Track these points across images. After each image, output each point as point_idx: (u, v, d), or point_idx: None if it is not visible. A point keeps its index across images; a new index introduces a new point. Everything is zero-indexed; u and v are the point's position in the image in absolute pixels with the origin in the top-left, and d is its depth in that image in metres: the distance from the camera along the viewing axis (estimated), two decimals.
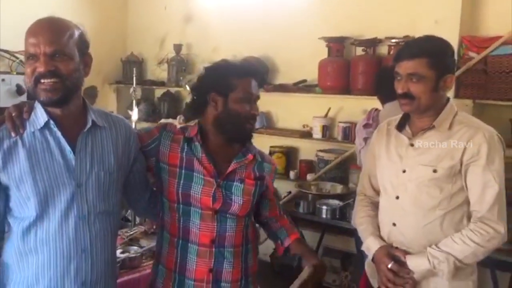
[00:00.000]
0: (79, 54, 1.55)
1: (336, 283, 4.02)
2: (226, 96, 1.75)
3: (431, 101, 1.83)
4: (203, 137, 1.79)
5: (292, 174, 4.27)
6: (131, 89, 4.07)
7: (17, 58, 4.41)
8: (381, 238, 1.97)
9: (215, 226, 1.75)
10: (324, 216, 3.54)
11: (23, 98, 4.32)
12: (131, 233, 2.73)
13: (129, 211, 3.07)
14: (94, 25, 4.63)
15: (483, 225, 1.78)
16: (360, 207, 2.11)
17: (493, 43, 3.26)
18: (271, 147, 4.37)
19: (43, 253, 1.53)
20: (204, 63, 4.88)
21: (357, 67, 3.90)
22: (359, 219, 2.08)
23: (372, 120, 3.04)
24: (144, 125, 3.36)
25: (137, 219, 3.17)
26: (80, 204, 1.55)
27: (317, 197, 3.70)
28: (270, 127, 4.55)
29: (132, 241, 2.69)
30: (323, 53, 4.07)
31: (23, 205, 1.53)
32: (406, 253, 1.87)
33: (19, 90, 4.31)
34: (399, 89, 1.83)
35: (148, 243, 2.64)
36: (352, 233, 2.06)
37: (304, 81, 4.29)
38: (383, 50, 3.91)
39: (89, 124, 1.59)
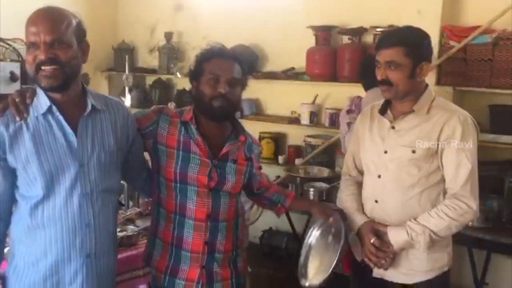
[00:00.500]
0: (77, 42, 1.64)
1: None
2: (198, 80, 1.89)
3: (408, 87, 1.95)
4: (197, 121, 1.91)
5: (280, 159, 4.38)
6: (124, 76, 4.18)
7: (10, 45, 4.44)
8: (365, 214, 2.11)
9: (210, 203, 1.88)
10: (312, 197, 3.64)
11: (17, 84, 4.37)
12: (127, 213, 2.85)
13: (122, 195, 3.19)
14: (85, 13, 4.60)
15: (457, 201, 1.93)
16: (345, 186, 2.24)
17: (473, 33, 3.36)
18: (260, 133, 4.47)
19: (50, 228, 1.64)
20: (194, 51, 5.01)
21: (344, 55, 4.00)
22: (344, 197, 2.21)
23: (355, 107, 3.18)
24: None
25: (130, 203, 3.29)
26: (83, 183, 1.66)
27: (305, 180, 3.82)
28: (259, 113, 4.65)
29: (128, 221, 2.81)
30: (311, 42, 4.16)
31: (30, 185, 1.63)
32: (387, 226, 2.01)
33: (12, 77, 4.34)
34: (379, 76, 1.97)
35: (143, 223, 2.77)
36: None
37: (292, 68, 4.38)
38: (368, 38, 4.00)
39: (89, 108, 1.69)
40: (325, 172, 3.96)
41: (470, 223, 2.97)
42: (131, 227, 2.67)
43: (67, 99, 1.66)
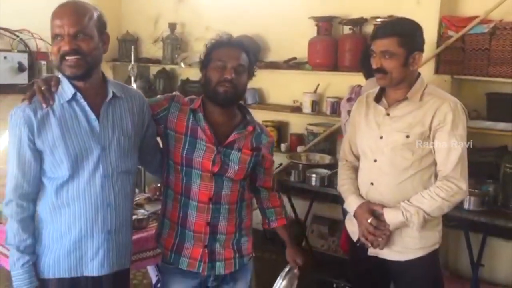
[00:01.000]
0: (98, 33, 1.75)
1: (324, 248, 4.28)
2: (207, 68, 1.98)
3: (402, 75, 2.06)
4: (206, 109, 2.01)
5: (283, 146, 4.45)
6: (130, 66, 4.27)
7: (17, 36, 4.53)
8: (361, 196, 2.22)
9: (213, 186, 1.98)
10: (313, 183, 3.73)
11: (25, 75, 4.48)
12: (137, 199, 2.96)
13: None
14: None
15: (448, 183, 2.05)
16: (342, 170, 2.35)
17: (471, 23, 3.41)
18: (263, 121, 4.50)
19: (74, 206, 1.77)
20: (197, 41, 5.10)
21: (345, 45, 4.06)
22: (342, 180, 2.32)
23: (355, 95, 3.26)
24: None
25: (136, 190, 3.40)
26: (105, 165, 1.78)
27: (307, 167, 3.89)
28: (262, 102, 4.72)
29: (138, 206, 2.91)
30: (312, 32, 4.21)
31: (57, 167, 1.75)
32: (383, 207, 2.12)
33: (20, 67, 4.44)
34: (374, 64, 2.07)
35: (152, 208, 2.88)
36: (339, 201, 2.30)
37: (294, 58, 4.44)
38: (368, 29, 4.04)
39: (110, 95, 1.81)
40: (327, 159, 4.04)
41: (467, 207, 3.09)
42: (141, 211, 2.78)
43: (89, 86, 1.77)
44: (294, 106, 4.49)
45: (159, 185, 3.00)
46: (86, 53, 1.70)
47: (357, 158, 2.32)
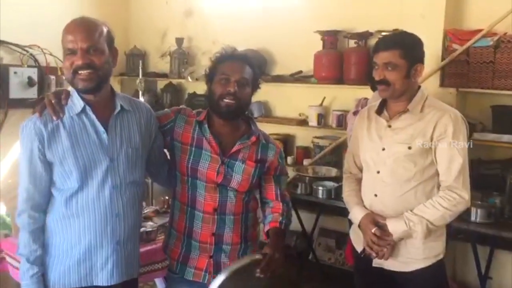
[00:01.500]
0: (108, 48, 1.80)
1: (331, 261, 4.28)
2: (212, 81, 2.02)
3: (404, 86, 2.10)
4: (211, 121, 2.04)
5: (289, 159, 4.45)
6: (138, 81, 4.33)
7: (27, 51, 4.57)
8: (365, 207, 2.24)
9: (217, 197, 2.00)
10: (320, 196, 3.76)
11: (34, 89, 4.51)
12: (145, 211, 2.99)
13: None
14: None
15: (450, 192, 2.07)
16: (347, 183, 2.39)
17: (475, 36, 3.44)
18: (269, 134, 4.57)
19: (84, 217, 1.80)
20: (204, 55, 5.12)
21: (350, 58, 4.09)
22: (346, 192, 2.36)
23: (361, 108, 3.29)
24: None
25: (144, 204, 3.43)
26: (113, 176, 1.82)
27: (314, 180, 3.91)
28: (268, 115, 4.74)
29: (146, 218, 2.94)
30: (318, 46, 4.25)
31: (66, 179, 1.78)
32: (386, 218, 2.14)
33: (30, 82, 4.48)
34: (377, 76, 2.11)
35: (161, 220, 2.90)
36: (345, 213, 2.33)
37: (300, 72, 4.47)
38: (374, 42, 4.02)
39: (118, 108, 1.85)
40: (333, 171, 4.05)
41: (473, 219, 3.09)
42: (150, 223, 2.81)
43: (99, 100, 1.82)
44: (300, 119, 4.51)
45: (166, 197, 3.03)
46: (98, 67, 1.75)
47: (361, 170, 2.35)
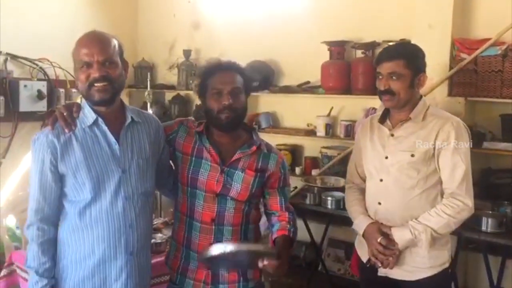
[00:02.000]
0: (120, 61, 1.83)
1: (340, 272, 4.26)
2: (204, 96, 2.03)
3: (408, 96, 2.12)
4: (210, 131, 2.05)
5: (298, 170, 4.45)
6: (146, 93, 4.36)
7: (37, 65, 4.63)
8: (369, 216, 2.25)
9: (216, 207, 1.99)
10: (329, 206, 3.74)
11: (44, 102, 4.55)
12: (155, 223, 2.99)
13: None
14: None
15: (454, 200, 2.09)
16: (350, 193, 2.40)
17: (483, 45, 3.43)
18: (277, 145, 4.53)
19: (98, 228, 1.81)
20: None
21: (357, 68, 4.10)
22: (349, 202, 2.37)
23: None
24: None
25: (153, 215, 3.43)
26: (126, 187, 1.83)
27: (322, 190, 3.91)
28: (276, 126, 4.75)
29: (155, 230, 2.94)
30: (325, 56, 4.26)
31: (79, 190, 1.80)
32: (391, 227, 2.15)
33: (39, 95, 4.51)
34: (381, 86, 2.13)
35: (170, 232, 2.89)
36: (352, 224, 2.33)
37: (308, 82, 4.48)
38: None
39: (129, 119, 1.87)
40: (342, 181, 3.96)
41: (484, 229, 3.07)
42: (159, 235, 2.81)
43: (110, 112, 1.84)
44: (308, 130, 4.52)
45: None
46: (113, 79, 1.79)
47: (363, 180, 2.37)
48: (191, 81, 5.09)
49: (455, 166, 2.10)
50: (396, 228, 2.14)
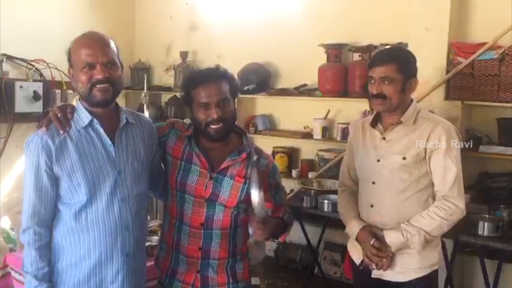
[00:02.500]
0: (118, 62, 1.82)
1: (337, 275, 4.25)
2: (191, 107, 1.98)
3: (400, 100, 2.14)
4: (199, 136, 2.02)
5: (294, 172, 4.46)
6: (143, 94, 4.34)
7: (33, 66, 4.61)
8: (361, 220, 2.26)
9: (205, 212, 1.98)
10: (326, 209, 3.74)
11: (40, 103, 4.54)
12: (150, 226, 2.98)
13: None
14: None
15: (446, 202, 2.10)
16: (342, 196, 2.41)
17: (480, 49, 3.43)
18: (274, 147, 4.58)
19: (94, 230, 1.79)
20: None
21: (354, 71, 4.11)
22: (340, 205, 2.39)
23: None
24: None
25: (148, 217, 3.42)
26: (121, 188, 1.82)
27: (319, 193, 3.90)
28: (273, 129, 4.76)
29: (151, 233, 2.93)
30: (322, 59, 4.27)
31: (74, 192, 1.78)
32: (384, 229, 2.16)
33: (35, 96, 4.51)
34: (374, 90, 2.15)
35: None
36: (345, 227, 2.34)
37: (305, 85, 4.48)
38: None
39: (124, 121, 1.86)
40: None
41: (481, 232, 3.07)
42: (155, 237, 2.79)
43: (105, 113, 1.83)
44: (304, 132, 4.52)
45: None
46: (114, 80, 1.78)
47: (356, 182, 2.38)
48: None
49: (446, 169, 2.12)
50: (388, 231, 2.15)
